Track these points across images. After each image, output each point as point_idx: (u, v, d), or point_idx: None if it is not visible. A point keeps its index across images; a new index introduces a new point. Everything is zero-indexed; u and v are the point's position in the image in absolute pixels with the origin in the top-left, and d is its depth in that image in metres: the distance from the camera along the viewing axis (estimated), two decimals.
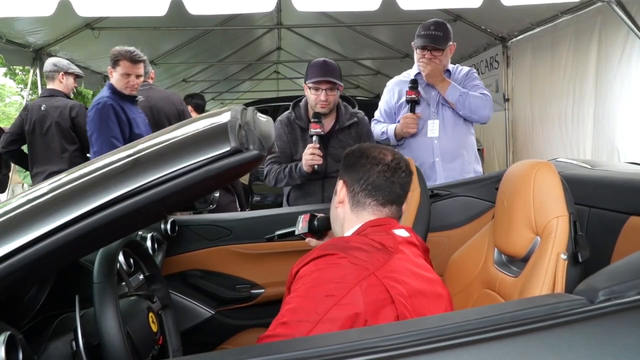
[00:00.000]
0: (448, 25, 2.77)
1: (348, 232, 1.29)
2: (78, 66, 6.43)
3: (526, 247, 1.16)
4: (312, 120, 2.46)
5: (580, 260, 1.08)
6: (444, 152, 2.72)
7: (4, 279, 0.82)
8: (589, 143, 4.55)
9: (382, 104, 2.94)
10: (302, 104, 2.63)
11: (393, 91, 2.89)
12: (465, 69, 2.89)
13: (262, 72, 12.05)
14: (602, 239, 1.46)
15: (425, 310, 1.09)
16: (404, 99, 2.78)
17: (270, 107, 5.68)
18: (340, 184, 1.34)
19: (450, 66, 2.84)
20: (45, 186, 0.99)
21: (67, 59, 6.11)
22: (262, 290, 2.19)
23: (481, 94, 2.72)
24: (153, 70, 4.04)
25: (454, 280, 1.46)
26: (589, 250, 1.10)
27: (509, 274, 1.23)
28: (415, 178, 1.99)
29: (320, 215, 1.63)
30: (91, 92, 13.57)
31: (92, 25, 5.59)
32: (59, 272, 1.24)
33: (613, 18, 4.05)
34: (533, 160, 1.21)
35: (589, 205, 1.58)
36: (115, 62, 3.16)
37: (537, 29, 5.29)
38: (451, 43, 2.75)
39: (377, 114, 2.97)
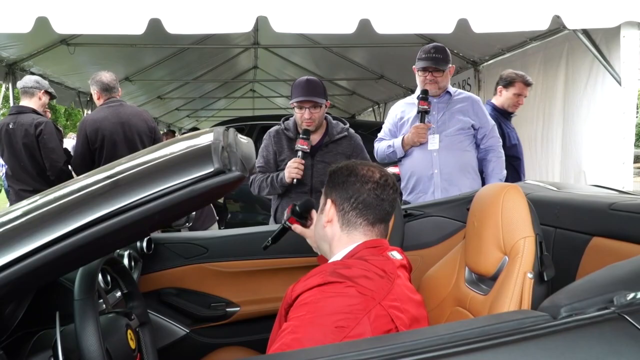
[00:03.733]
0: (447, 49, 3.01)
1: (340, 253, 1.28)
2: (52, 82, 6.41)
3: (495, 266, 1.22)
4: (301, 136, 2.59)
5: (545, 278, 1.14)
6: (443, 165, 2.91)
7: None
8: (557, 166, 4.70)
9: (387, 124, 3.20)
10: (292, 117, 2.79)
11: (396, 112, 3.15)
12: (467, 94, 3.13)
13: (238, 90, 12.08)
14: (567, 259, 1.52)
15: None
16: (406, 117, 3.04)
17: (247, 126, 5.71)
18: (328, 203, 1.31)
19: (452, 89, 3.06)
20: (25, 206, 1.01)
21: (40, 74, 6.08)
22: (237, 309, 2.19)
23: (498, 153, 3.03)
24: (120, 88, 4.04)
25: (426, 298, 1.50)
26: (554, 269, 1.16)
27: (479, 292, 1.28)
28: None
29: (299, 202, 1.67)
30: (64, 108, 13.42)
31: (67, 41, 5.56)
32: (36, 289, 1.23)
33: (579, 45, 4.23)
34: (502, 184, 1.27)
35: (554, 226, 1.65)
36: None
37: (507, 54, 5.48)
38: (450, 65, 3.01)
39: (381, 133, 3.22)
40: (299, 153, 2.58)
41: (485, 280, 1.29)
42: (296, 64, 8.94)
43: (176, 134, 11.61)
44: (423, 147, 2.94)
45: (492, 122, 3.12)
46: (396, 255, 1.25)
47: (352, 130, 2.83)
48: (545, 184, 2.08)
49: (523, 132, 5.18)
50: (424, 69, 2.96)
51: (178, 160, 0.93)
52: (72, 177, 3.66)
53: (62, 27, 3.42)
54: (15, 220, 0.92)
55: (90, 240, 0.83)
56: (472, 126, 3.00)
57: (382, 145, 3.14)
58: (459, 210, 2.18)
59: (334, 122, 2.80)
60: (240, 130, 5.95)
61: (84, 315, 0.99)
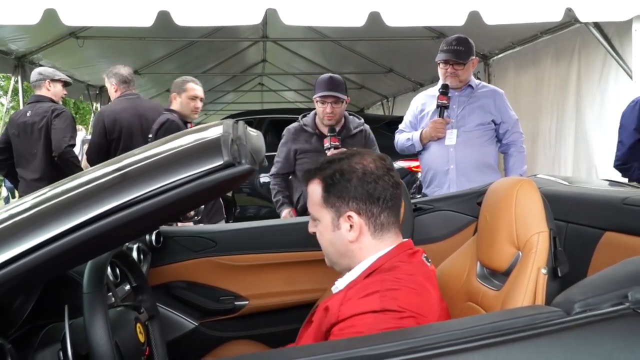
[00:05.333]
0: (470, 41, 2.98)
1: (369, 259, 1.20)
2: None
3: (508, 262, 1.20)
4: (330, 134, 2.73)
5: (559, 274, 1.13)
6: (459, 161, 2.89)
7: None
8: (570, 160, 4.66)
9: (408, 116, 3.19)
10: (312, 113, 2.92)
11: (417, 104, 3.14)
12: (491, 87, 3.10)
13: (246, 83, 12.07)
14: (579, 253, 1.51)
15: None
16: (426, 110, 3.02)
17: (256, 119, 5.71)
18: (351, 216, 1.18)
19: (475, 81, 3.04)
20: (33, 198, 1.00)
21: (50, 67, 6.10)
22: (246, 302, 2.19)
23: (520, 148, 2.99)
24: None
25: None
26: (568, 265, 1.14)
27: (491, 287, 1.27)
28: None
29: None
30: (72, 101, 13.47)
31: (76, 34, 5.58)
32: (45, 283, 1.24)
33: (591, 39, 4.18)
34: (515, 177, 1.25)
35: (566, 221, 1.63)
36: None
37: (518, 48, 5.43)
38: (473, 58, 2.96)
39: (402, 124, 3.22)
40: (331, 150, 2.66)
41: (498, 276, 1.28)
42: (305, 57, 8.92)
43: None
44: (440, 141, 2.92)
45: (515, 116, 3.05)
46: (427, 259, 1.21)
47: (367, 126, 2.96)
48: (556, 178, 2.05)
49: (535, 126, 5.15)
50: (445, 62, 2.92)
51: (187, 153, 0.92)
52: (77, 161, 3.66)
53: (70, 19, 3.42)
54: (24, 213, 0.92)
55: (98, 234, 0.82)
56: (493, 121, 2.95)
57: (401, 137, 3.13)
58: (469, 204, 2.16)
59: (351, 117, 2.92)
60: (249, 123, 5.89)
61: (93, 309, 0.99)
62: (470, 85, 3.00)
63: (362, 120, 2.96)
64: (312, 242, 2.08)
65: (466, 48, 2.92)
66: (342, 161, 1.23)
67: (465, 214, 2.16)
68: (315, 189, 1.24)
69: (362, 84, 9.78)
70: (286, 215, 2.89)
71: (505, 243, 1.22)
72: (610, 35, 4.12)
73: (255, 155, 0.92)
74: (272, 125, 5.61)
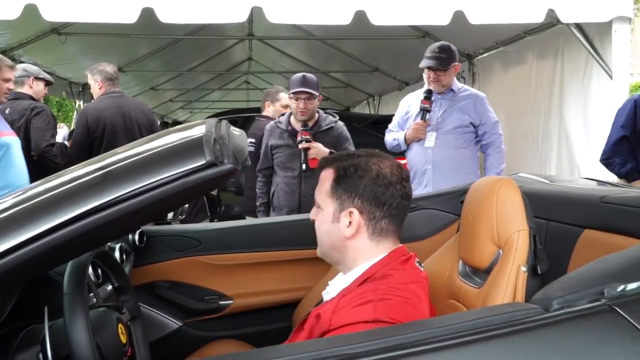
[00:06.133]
0: (453, 48, 3.16)
1: (364, 265, 1.20)
2: (43, 71, 6.33)
3: (489, 259, 1.22)
4: (303, 128, 2.94)
5: (539, 272, 1.14)
6: (436, 161, 3.08)
7: None
8: (554, 159, 4.70)
9: (396, 117, 3.40)
10: (287, 112, 3.17)
11: (404, 106, 3.34)
12: (472, 91, 3.29)
13: (232, 82, 12.02)
14: (559, 251, 1.53)
15: None
16: (411, 112, 3.21)
17: (241, 118, 5.68)
18: (352, 212, 1.19)
19: (457, 86, 3.21)
20: (14, 197, 0.99)
21: (31, 64, 6.01)
22: (231, 302, 2.19)
23: (498, 148, 3.16)
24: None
25: None
26: (547, 262, 1.16)
27: (473, 285, 1.29)
28: None
29: None
30: (55, 99, 13.30)
31: (58, 30, 5.49)
32: (25, 283, 1.22)
33: (573, 40, 4.23)
34: (496, 177, 1.27)
35: (547, 219, 1.65)
36: None
37: (502, 48, 5.48)
38: (455, 64, 3.14)
39: (391, 125, 3.44)
40: (303, 143, 2.89)
41: (479, 273, 1.29)
42: (291, 55, 8.90)
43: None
44: (421, 142, 3.12)
45: (495, 119, 3.21)
46: (420, 266, 1.21)
47: (340, 123, 3.14)
48: (538, 176, 2.08)
49: (521, 124, 5.19)
50: (428, 68, 3.09)
51: (170, 152, 0.92)
52: (57, 159, 3.61)
53: (51, 14, 3.38)
54: (3, 212, 0.90)
55: (80, 233, 0.82)
56: (472, 124, 3.11)
57: (389, 137, 3.35)
58: (452, 202, 2.18)
59: (324, 115, 3.13)
60: (234, 122, 5.91)
61: (73, 310, 0.98)
62: (452, 89, 3.17)
63: (337, 118, 3.15)
64: (296, 241, 2.10)
65: (448, 55, 3.09)
66: (360, 158, 1.23)
67: (448, 212, 2.18)
68: (327, 177, 1.25)
69: (348, 82, 9.79)
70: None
71: (486, 241, 1.23)
72: (591, 36, 4.18)
73: (238, 154, 0.92)
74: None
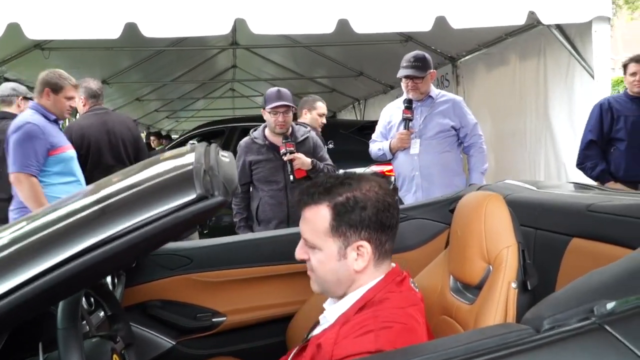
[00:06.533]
0: (427, 56, 3.26)
1: (361, 289, 1.18)
2: (27, 87, 6.26)
3: (479, 276, 1.23)
4: (285, 141, 2.98)
5: (529, 287, 1.16)
6: (423, 167, 3.17)
7: None
8: (542, 158, 4.74)
9: (379, 127, 3.48)
10: (260, 127, 3.18)
11: (385, 116, 3.43)
12: (450, 96, 3.35)
13: (217, 90, 11.99)
14: (548, 260, 1.55)
15: None
16: (393, 121, 3.30)
17: (228, 128, 5.68)
18: (364, 246, 1.15)
19: (434, 92, 3.31)
20: (10, 234, 0.99)
21: (14, 80, 5.95)
22: (224, 319, 2.18)
23: (479, 148, 3.24)
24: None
25: None
26: (537, 277, 1.18)
27: (465, 301, 1.30)
28: None
29: None
30: None
31: (42, 45, 5.45)
32: None
33: (554, 40, 4.28)
34: (484, 192, 1.28)
35: (535, 227, 1.67)
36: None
37: (484, 50, 5.53)
38: (431, 71, 3.24)
39: (374, 134, 3.52)
40: (287, 155, 2.94)
41: (470, 289, 1.31)
42: (276, 62, 8.90)
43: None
44: (406, 150, 3.22)
45: (474, 120, 3.29)
46: (415, 286, 1.21)
47: (313, 132, 3.26)
48: (525, 183, 2.10)
49: (507, 125, 5.23)
50: (406, 77, 3.19)
51: (160, 187, 0.92)
52: None
53: (34, 32, 3.37)
54: (1, 251, 0.90)
55: (76, 272, 0.82)
56: (453, 127, 3.20)
57: (374, 147, 3.43)
58: (441, 212, 2.19)
59: (296, 127, 3.20)
60: (221, 132, 5.89)
61: (67, 345, 0.98)
62: (430, 96, 3.27)
63: (308, 129, 3.24)
64: (286, 256, 2.09)
65: (423, 63, 3.19)
66: (352, 187, 1.17)
67: (437, 221, 2.20)
68: (321, 216, 1.17)
69: (333, 87, 9.80)
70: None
71: (476, 257, 1.24)
72: (572, 36, 4.23)
73: (227, 185, 0.92)
74: (244, 133, 5.56)
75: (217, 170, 0.93)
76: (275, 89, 3.12)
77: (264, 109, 3.06)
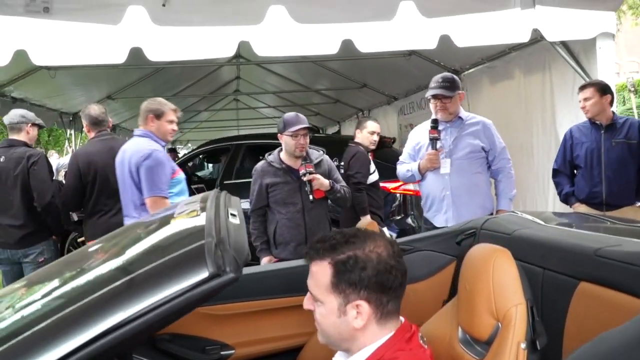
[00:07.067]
0: (456, 77, 3.29)
1: (370, 347, 1.19)
2: (33, 104, 6.32)
3: (488, 332, 1.23)
4: (304, 162, 3.04)
5: (538, 347, 1.16)
6: (454, 187, 3.18)
7: None
8: (547, 173, 4.72)
9: (407, 148, 3.50)
10: (275, 151, 3.22)
11: (414, 137, 3.45)
12: (479, 118, 3.32)
13: (221, 101, 12.03)
14: (556, 302, 1.54)
15: None
16: (422, 142, 3.32)
17: (233, 146, 5.70)
18: (362, 306, 1.16)
19: (464, 114, 3.30)
20: (38, 300, 0.99)
21: (21, 98, 5.99)
22: (232, 351, 2.18)
23: (508, 173, 3.26)
24: (110, 120, 4.01)
25: None
26: (546, 336, 1.18)
27: (474, 355, 1.30)
28: None
29: None
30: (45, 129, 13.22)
31: (48, 65, 5.48)
32: None
33: (559, 55, 4.27)
34: (492, 247, 1.28)
35: (542, 267, 1.67)
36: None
37: (488, 63, 5.53)
38: (460, 92, 3.24)
39: (402, 156, 3.53)
40: (307, 175, 3.00)
41: (480, 343, 1.31)
42: (280, 74, 8.93)
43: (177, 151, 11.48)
44: (436, 171, 3.23)
45: (503, 144, 3.30)
46: (423, 342, 1.21)
47: (326, 155, 3.27)
48: (532, 215, 2.10)
49: (513, 139, 5.15)
50: (434, 97, 3.20)
51: (173, 264, 0.93)
52: (59, 210, 3.62)
53: (41, 59, 3.40)
54: (25, 330, 0.89)
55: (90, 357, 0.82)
56: (483, 149, 3.21)
57: (402, 168, 3.45)
58: (448, 243, 2.20)
59: (311, 150, 3.22)
60: (227, 149, 5.92)
61: None
62: (460, 117, 3.26)
63: (322, 152, 3.27)
64: (294, 288, 2.10)
65: (451, 84, 3.19)
66: (355, 245, 1.19)
67: (444, 254, 2.21)
68: (323, 271, 1.20)
69: (337, 98, 9.83)
70: (266, 262, 3.09)
71: (484, 313, 1.25)
72: (576, 52, 4.24)
73: (238, 258, 0.93)
74: (250, 150, 5.61)
75: (227, 242, 0.94)
76: (292, 113, 3.17)
77: (281, 133, 3.08)
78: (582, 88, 3.69)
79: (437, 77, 3.27)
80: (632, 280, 1.33)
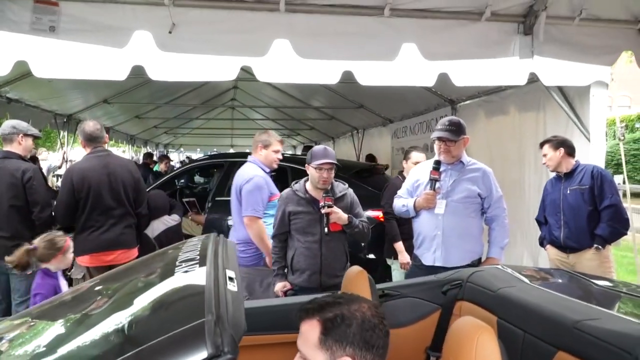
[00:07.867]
0: (462, 122, 3.33)
1: None
2: (27, 105, 6.29)
3: None
4: (325, 195, 3.10)
5: None
6: (446, 228, 3.22)
7: None
8: (537, 208, 4.78)
9: (406, 184, 3.56)
10: (302, 180, 3.31)
11: (415, 174, 3.52)
12: (480, 165, 3.37)
13: (216, 108, 12.05)
14: None
15: None
16: (421, 180, 3.38)
17: (227, 162, 5.72)
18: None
19: (466, 159, 3.35)
20: None
21: (16, 99, 5.97)
22: None
23: (502, 222, 3.32)
24: (107, 135, 4.03)
25: None
26: None
27: None
28: (366, 284, 2.12)
29: None
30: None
31: (48, 77, 5.48)
32: None
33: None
34: (476, 323, 1.33)
35: (523, 330, 1.73)
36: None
37: (484, 97, 5.63)
38: (464, 136, 3.28)
39: (400, 190, 3.59)
40: (325, 208, 3.05)
41: None
42: (277, 87, 8.98)
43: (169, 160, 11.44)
44: (431, 210, 3.27)
45: (500, 193, 3.35)
46: None
47: (350, 190, 3.33)
48: (515, 270, 2.16)
49: (506, 174, 5.22)
50: (439, 139, 3.26)
51: (174, 341, 0.96)
52: (54, 224, 3.62)
53: (42, 71, 3.39)
54: None
55: None
56: (479, 195, 3.25)
57: (398, 202, 3.50)
58: (432, 292, 2.26)
59: (336, 183, 3.29)
60: (221, 165, 5.95)
61: None
62: (462, 161, 3.31)
63: (346, 186, 3.31)
64: (291, 325, 2.11)
65: (457, 128, 3.24)
66: (342, 306, 1.29)
67: (430, 302, 2.26)
68: (312, 329, 1.28)
69: (333, 115, 9.90)
70: (280, 287, 3.17)
71: None
72: (570, 96, 4.32)
73: (235, 334, 0.97)
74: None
75: (226, 320, 0.98)
76: (321, 146, 3.24)
77: (308, 164, 3.17)
78: (541, 145, 3.99)
79: (444, 120, 3.33)
80: (608, 358, 1.38)
